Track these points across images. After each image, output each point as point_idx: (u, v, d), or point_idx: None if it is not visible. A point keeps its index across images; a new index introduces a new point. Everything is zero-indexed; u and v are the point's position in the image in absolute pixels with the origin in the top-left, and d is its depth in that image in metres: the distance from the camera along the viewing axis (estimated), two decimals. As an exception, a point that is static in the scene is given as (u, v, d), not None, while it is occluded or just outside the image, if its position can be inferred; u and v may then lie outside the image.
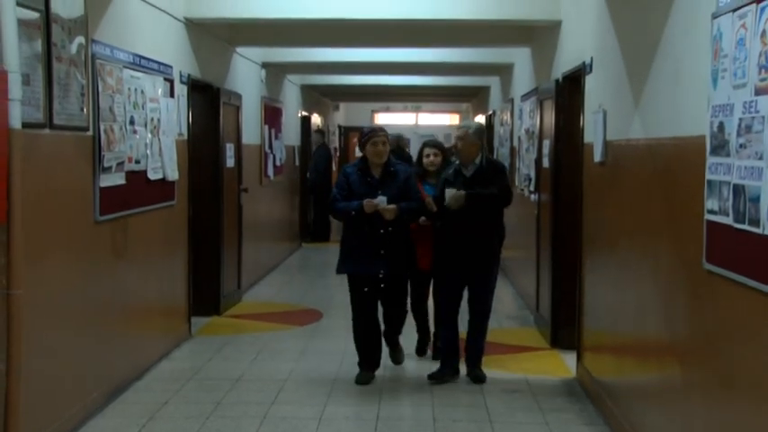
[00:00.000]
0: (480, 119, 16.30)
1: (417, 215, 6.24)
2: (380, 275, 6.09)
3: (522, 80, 10.06)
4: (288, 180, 13.43)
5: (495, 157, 12.96)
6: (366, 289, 6.15)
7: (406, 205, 6.06)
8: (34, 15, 4.56)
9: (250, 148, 10.31)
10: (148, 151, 6.39)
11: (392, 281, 6.18)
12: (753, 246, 3.09)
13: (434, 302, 6.51)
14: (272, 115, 11.90)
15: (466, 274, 6.28)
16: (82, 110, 5.20)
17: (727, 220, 3.31)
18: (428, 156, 6.72)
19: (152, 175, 6.49)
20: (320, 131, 16.03)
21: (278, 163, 12.16)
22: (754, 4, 3.09)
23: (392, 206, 5.97)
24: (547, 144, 7.72)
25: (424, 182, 6.58)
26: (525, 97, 9.49)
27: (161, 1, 6.82)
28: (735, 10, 3.27)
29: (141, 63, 6.30)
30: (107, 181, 5.60)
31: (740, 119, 3.19)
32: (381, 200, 5.94)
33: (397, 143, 12.85)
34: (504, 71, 11.97)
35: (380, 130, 6.31)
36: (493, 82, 13.88)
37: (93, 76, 5.38)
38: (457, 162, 6.34)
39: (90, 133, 5.37)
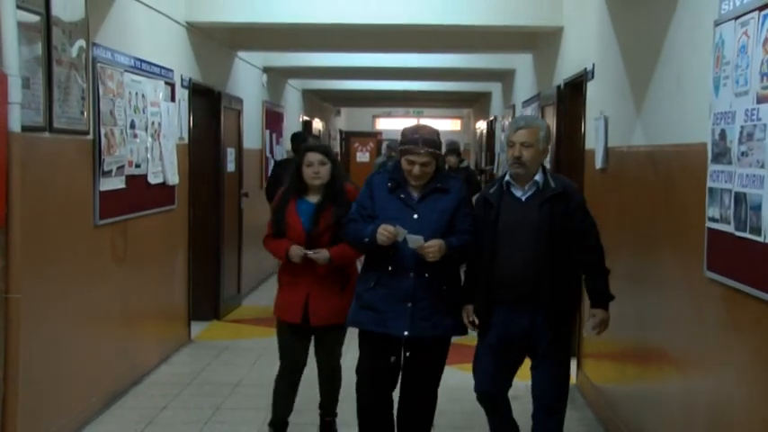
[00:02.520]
0: (481, 125, 16.31)
1: (468, 254, 4.35)
2: (403, 338, 4.33)
3: (524, 86, 10.06)
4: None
5: (495, 164, 12.91)
6: (393, 358, 4.42)
7: (457, 242, 4.24)
8: (35, 18, 4.56)
9: (251, 152, 10.31)
10: (149, 155, 6.38)
11: (421, 349, 4.37)
12: (754, 254, 3.08)
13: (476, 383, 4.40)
14: (273, 120, 11.90)
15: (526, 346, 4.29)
16: (82, 113, 5.20)
17: (729, 228, 3.30)
18: (310, 164, 4.76)
19: (152, 179, 6.49)
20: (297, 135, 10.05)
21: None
22: (757, 12, 3.08)
23: (435, 243, 4.13)
24: (548, 150, 7.70)
25: (300, 199, 4.80)
26: (527, 103, 9.49)
27: (162, 5, 6.83)
28: (737, 17, 3.27)
29: (142, 67, 6.30)
30: (107, 185, 5.59)
31: (742, 126, 3.19)
32: (414, 239, 4.11)
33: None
34: (505, 77, 11.97)
35: (424, 143, 4.25)
36: (494, 88, 13.89)
37: (94, 79, 5.38)
38: (507, 176, 4.27)
39: (90, 137, 5.37)
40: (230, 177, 9.10)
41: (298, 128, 14.63)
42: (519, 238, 4.15)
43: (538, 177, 4.20)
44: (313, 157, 4.78)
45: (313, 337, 4.93)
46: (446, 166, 10.30)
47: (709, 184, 3.52)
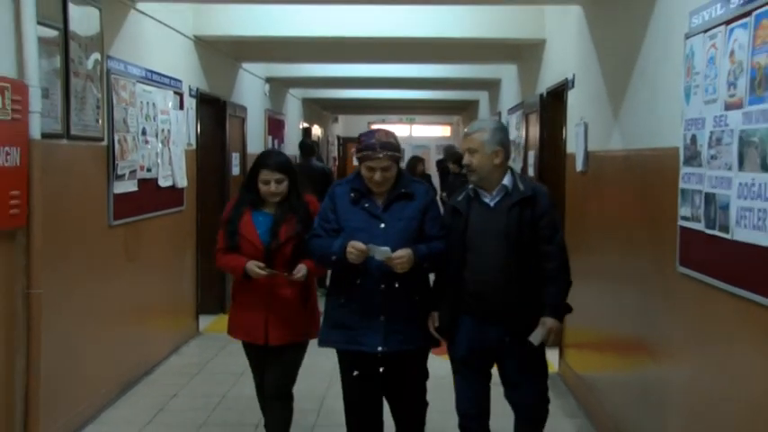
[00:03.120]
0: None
1: (440, 262, 3.88)
2: (378, 354, 3.86)
3: (509, 95, 10.07)
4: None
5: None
6: (356, 373, 3.94)
7: (426, 249, 3.79)
8: (53, 33, 4.58)
9: (255, 157, 10.29)
10: (159, 160, 6.39)
11: (399, 363, 3.93)
12: (723, 250, 3.10)
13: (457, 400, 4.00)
14: (275, 126, 11.91)
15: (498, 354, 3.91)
16: (97, 121, 5.21)
17: (699, 227, 3.32)
18: (266, 183, 4.11)
19: (162, 183, 6.50)
20: (305, 143, 10.72)
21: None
22: (724, 26, 3.11)
23: (404, 253, 3.69)
24: (532, 155, 7.74)
25: (256, 210, 4.17)
26: (512, 111, 9.50)
27: (172, 20, 6.83)
28: (706, 31, 3.30)
29: (153, 78, 6.31)
30: (120, 188, 5.60)
31: (711, 132, 3.21)
32: (381, 250, 3.66)
33: (415, 163, 11.51)
34: (492, 86, 11.98)
35: (382, 146, 3.80)
36: (482, 96, 13.90)
37: (108, 89, 5.39)
38: (470, 186, 3.89)
39: (105, 143, 5.38)
40: (235, 180, 9.08)
41: (298, 134, 14.64)
42: (488, 246, 3.76)
43: (506, 181, 3.81)
44: (268, 175, 4.09)
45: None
46: (449, 173, 10.29)
47: (682, 185, 3.54)
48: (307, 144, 10.49)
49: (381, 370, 3.92)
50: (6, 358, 4.14)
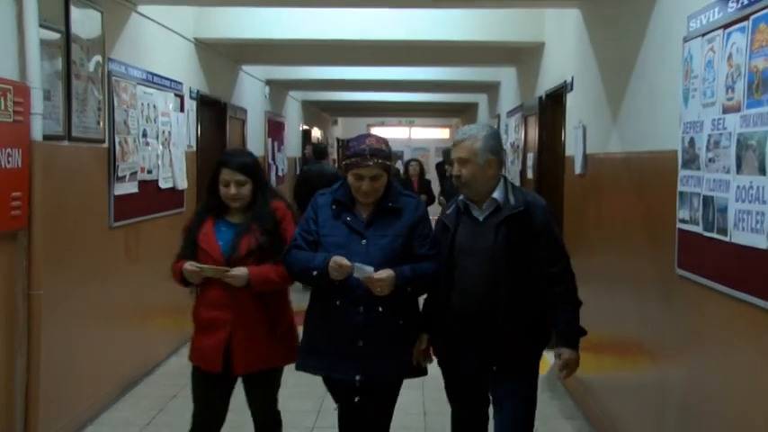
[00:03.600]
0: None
1: (429, 285, 3.54)
2: (356, 383, 3.46)
3: (508, 97, 10.09)
4: (289, 189, 13.43)
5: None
6: (335, 407, 3.66)
7: (411, 272, 3.42)
8: (55, 36, 4.59)
9: (254, 159, 10.30)
10: (159, 162, 6.40)
11: (372, 395, 3.51)
12: (721, 253, 3.11)
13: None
14: (275, 129, 11.92)
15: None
16: (98, 123, 5.22)
17: (698, 229, 3.33)
18: (226, 184, 3.66)
19: (163, 184, 6.50)
20: (319, 147, 11.17)
21: (280, 173, 12.19)
22: (722, 30, 3.12)
23: (385, 274, 3.32)
24: (531, 157, 7.75)
25: (220, 220, 3.72)
26: (511, 113, 9.52)
27: (173, 22, 6.84)
28: (704, 34, 3.31)
29: (154, 80, 6.32)
30: (121, 189, 5.61)
31: (709, 135, 3.22)
32: (363, 269, 3.31)
33: (419, 168, 11.33)
34: (491, 89, 12.00)
35: (372, 153, 3.45)
36: (481, 99, 13.91)
37: (109, 91, 5.40)
38: (460, 198, 3.55)
39: (105, 145, 5.38)
40: (235, 182, 9.11)
41: (298, 136, 14.67)
42: (474, 265, 3.40)
43: (497, 194, 3.44)
44: (229, 175, 3.63)
45: (242, 387, 3.79)
46: (449, 176, 10.13)
47: (680, 188, 3.55)
48: (320, 148, 10.86)
49: (357, 400, 3.49)
50: (7, 359, 4.15)
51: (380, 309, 3.40)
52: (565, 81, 6.32)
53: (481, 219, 3.46)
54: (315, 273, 3.39)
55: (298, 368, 3.64)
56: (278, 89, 12.23)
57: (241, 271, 3.52)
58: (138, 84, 5.96)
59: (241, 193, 3.63)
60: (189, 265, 3.57)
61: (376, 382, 3.49)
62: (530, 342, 3.48)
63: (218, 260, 3.58)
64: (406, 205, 3.54)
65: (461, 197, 3.52)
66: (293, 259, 3.49)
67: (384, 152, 3.48)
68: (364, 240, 3.45)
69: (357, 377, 3.44)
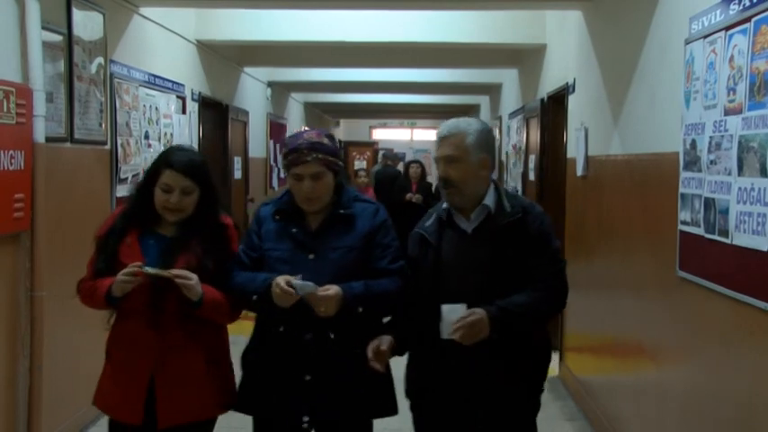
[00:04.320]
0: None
1: (388, 306, 2.96)
2: (304, 426, 2.90)
3: (510, 99, 10.09)
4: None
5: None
6: None
7: (363, 289, 2.85)
8: (58, 38, 4.60)
9: (256, 160, 10.34)
10: (162, 164, 6.40)
11: None
12: (722, 255, 3.11)
13: None
14: (277, 131, 11.93)
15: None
16: (100, 125, 5.23)
17: (699, 231, 3.33)
18: (168, 190, 2.92)
19: (165, 186, 6.50)
20: None
21: (282, 175, 12.20)
22: (723, 32, 3.12)
23: (332, 290, 2.78)
24: (533, 159, 7.75)
25: (149, 231, 2.99)
26: (513, 115, 9.52)
27: (175, 24, 6.85)
28: (706, 36, 3.31)
29: (156, 82, 6.33)
30: (123, 191, 5.60)
31: (711, 137, 3.22)
32: (305, 286, 2.76)
33: (420, 168, 11.12)
34: (493, 90, 12.00)
35: (311, 147, 2.90)
36: (483, 101, 13.92)
37: (111, 93, 5.41)
38: (443, 207, 2.97)
39: (108, 147, 5.39)
40: (237, 184, 9.12)
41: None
42: (463, 288, 2.79)
43: (488, 200, 2.88)
44: (173, 179, 2.88)
45: None
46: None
47: (681, 190, 3.55)
48: None
49: None
50: (10, 360, 4.15)
51: (333, 335, 2.84)
52: (566, 83, 6.32)
53: (470, 231, 2.88)
54: (254, 297, 2.82)
55: (235, 408, 3.05)
56: (280, 91, 12.24)
57: (194, 277, 2.82)
58: (141, 86, 5.97)
59: (184, 203, 2.90)
60: (127, 272, 2.78)
61: (328, 425, 2.91)
62: (525, 382, 2.91)
63: (143, 281, 2.81)
64: (363, 212, 2.97)
65: (444, 205, 2.93)
66: (235, 280, 2.90)
67: (326, 146, 2.91)
68: (312, 255, 2.89)
69: (305, 418, 2.87)
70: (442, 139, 2.92)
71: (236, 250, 3.01)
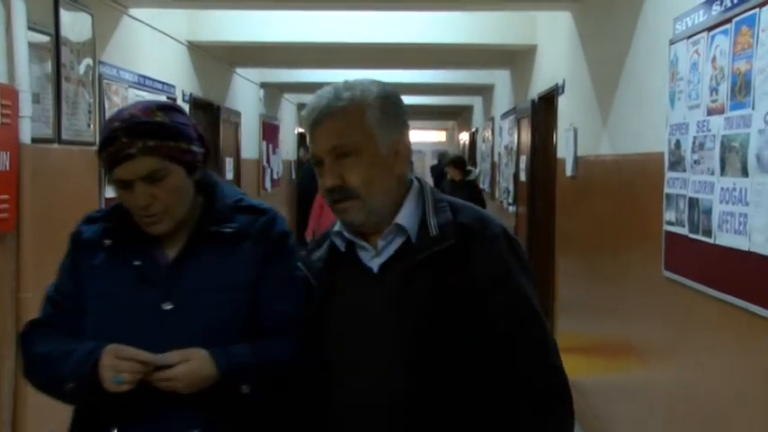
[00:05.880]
0: (464, 136, 16.34)
1: (285, 382, 1.83)
2: None
3: (502, 100, 10.10)
4: (284, 192, 13.45)
5: (477, 170, 12.71)
6: None
7: (251, 354, 1.80)
8: (45, 39, 4.59)
9: (249, 162, 10.33)
10: (152, 165, 6.40)
11: None
12: (705, 255, 3.12)
13: None
14: (269, 132, 11.93)
15: None
16: (89, 126, 5.22)
17: (683, 231, 3.34)
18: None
19: (155, 187, 6.50)
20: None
21: (275, 176, 12.20)
22: (706, 32, 3.13)
23: (192, 361, 1.74)
24: (524, 159, 7.76)
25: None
26: (505, 116, 9.53)
27: (165, 25, 6.84)
28: (689, 37, 3.32)
29: (146, 83, 6.32)
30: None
31: (694, 137, 3.23)
32: (159, 357, 1.73)
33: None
34: (485, 91, 12.02)
35: (131, 131, 1.78)
36: (476, 101, 13.95)
37: (100, 94, 5.40)
38: (335, 229, 1.87)
39: (96, 148, 5.37)
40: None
41: (293, 139, 14.67)
42: (368, 361, 1.76)
43: (403, 216, 1.80)
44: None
45: None
46: (447, 179, 9.49)
47: (666, 190, 3.56)
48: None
49: None
50: (-4, 362, 4.14)
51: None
52: (556, 84, 6.33)
53: (376, 268, 1.79)
54: (71, 385, 1.79)
55: None
56: (273, 92, 12.24)
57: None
58: (130, 86, 5.97)
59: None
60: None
61: None
62: None
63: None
64: (250, 226, 1.90)
65: (337, 227, 1.85)
66: (32, 355, 1.89)
67: (161, 126, 1.81)
68: (168, 304, 1.82)
69: None
70: (319, 122, 1.77)
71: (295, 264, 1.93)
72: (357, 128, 1.76)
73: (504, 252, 1.78)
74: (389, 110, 1.80)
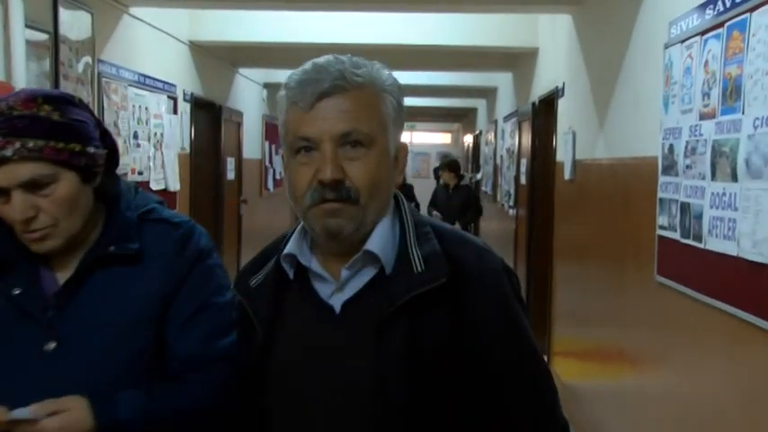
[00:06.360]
0: (469, 138, 16.33)
1: (183, 426, 1.51)
2: None
3: (505, 103, 10.10)
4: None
5: (480, 173, 13.06)
6: None
7: (146, 403, 1.48)
8: (43, 37, 4.60)
9: (251, 162, 10.34)
10: (151, 163, 6.41)
11: None
12: (696, 260, 3.11)
13: None
14: (272, 132, 11.93)
15: None
16: (87, 124, 5.24)
17: (675, 236, 3.33)
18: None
19: (154, 186, 6.51)
20: None
21: (278, 176, 12.19)
22: (699, 36, 3.12)
23: (71, 413, 1.41)
24: (524, 162, 7.76)
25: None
26: (507, 119, 9.52)
27: (167, 25, 6.86)
28: (683, 41, 3.31)
29: (146, 82, 6.33)
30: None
31: (687, 141, 3.22)
32: (19, 414, 1.36)
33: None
34: (489, 94, 12.01)
35: (13, 128, 1.44)
36: (480, 104, 13.94)
37: (99, 93, 5.41)
38: (290, 240, 1.46)
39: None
40: (230, 185, 9.13)
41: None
42: (328, 415, 1.35)
43: (374, 244, 1.38)
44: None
45: None
46: (440, 182, 9.50)
47: (660, 194, 3.55)
48: None
49: None
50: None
51: None
52: (557, 87, 6.32)
53: (338, 307, 1.40)
54: None
55: None
56: (276, 92, 12.20)
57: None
58: (130, 85, 5.98)
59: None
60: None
61: None
62: None
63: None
64: (157, 244, 1.61)
65: (289, 248, 1.44)
66: None
67: (47, 122, 1.50)
68: (51, 343, 1.53)
69: None
70: (328, 94, 1.40)
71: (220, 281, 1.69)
72: (375, 114, 1.38)
73: (508, 298, 1.39)
74: (402, 102, 1.46)
